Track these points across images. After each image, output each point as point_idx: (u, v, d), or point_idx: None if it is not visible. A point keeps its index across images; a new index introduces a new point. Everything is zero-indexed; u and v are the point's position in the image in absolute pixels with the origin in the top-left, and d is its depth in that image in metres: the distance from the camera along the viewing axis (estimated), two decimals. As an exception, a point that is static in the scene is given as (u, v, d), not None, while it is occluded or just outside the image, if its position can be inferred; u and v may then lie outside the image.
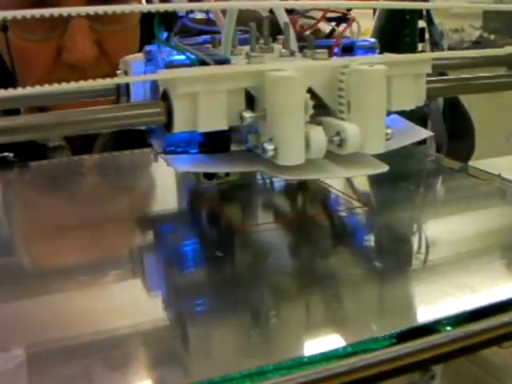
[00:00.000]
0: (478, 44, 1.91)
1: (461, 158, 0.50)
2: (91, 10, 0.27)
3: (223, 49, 0.35)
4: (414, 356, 0.25)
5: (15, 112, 0.35)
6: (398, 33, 0.55)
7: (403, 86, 0.33)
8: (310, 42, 0.35)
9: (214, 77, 0.30)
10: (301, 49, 0.36)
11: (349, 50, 0.36)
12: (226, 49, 0.35)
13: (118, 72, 0.39)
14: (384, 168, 0.32)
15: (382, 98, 0.31)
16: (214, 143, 0.34)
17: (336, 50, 0.35)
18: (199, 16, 0.44)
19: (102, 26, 0.58)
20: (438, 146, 0.57)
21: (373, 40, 0.37)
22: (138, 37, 0.64)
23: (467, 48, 1.89)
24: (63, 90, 0.32)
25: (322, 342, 0.25)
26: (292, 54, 0.36)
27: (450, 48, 1.82)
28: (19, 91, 0.26)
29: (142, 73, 0.37)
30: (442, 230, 0.36)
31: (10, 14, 0.25)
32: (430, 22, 0.55)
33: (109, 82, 0.29)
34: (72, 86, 0.27)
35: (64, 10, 0.26)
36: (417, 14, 0.53)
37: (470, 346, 0.26)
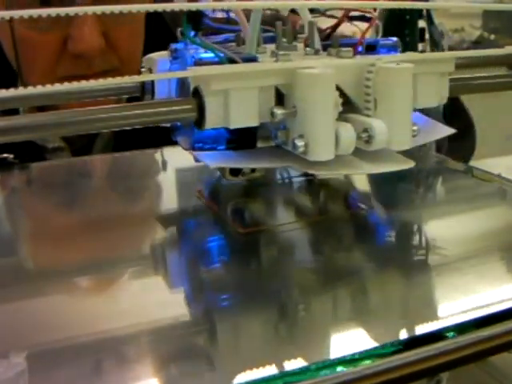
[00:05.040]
0: (478, 44, 1.92)
1: (461, 158, 0.51)
2: (101, 9, 0.27)
3: (248, 47, 0.36)
4: (420, 363, 0.25)
5: (14, 112, 0.34)
6: (398, 33, 0.55)
7: (428, 84, 0.34)
8: (335, 40, 0.35)
9: (245, 74, 0.30)
10: (323, 47, 0.36)
11: (372, 48, 0.37)
12: (251, 47, 0.36)
13: (143, 70, 0.40)
14: (410, 164, 0.33)
15: (409, 96, 0.32)
16: (241, 140, 0.35)
17: (359, 48, 0.36)
18: (219, 15, 0.45)
19: (109, 17, 0.56)
20: (438, 146, 0.58)
21: (395, 39, 0.38)
22: (144, 31, 0.63)
23: (467, 48, 1.90)
24: (80, 88, 0.32)
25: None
26: (317, 52, 0.36)
27: (450, 48, 1.83)
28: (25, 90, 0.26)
29: (168, 70, 0.38)
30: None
31: (16, 13, 0.25)
32: (430, 22, 0.55)
33: (138, 78, 0.30)
34: (99, 83, 0.27)
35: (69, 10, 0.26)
36: (417, 13, 0.54)
37: (476, 353, 0.26)
